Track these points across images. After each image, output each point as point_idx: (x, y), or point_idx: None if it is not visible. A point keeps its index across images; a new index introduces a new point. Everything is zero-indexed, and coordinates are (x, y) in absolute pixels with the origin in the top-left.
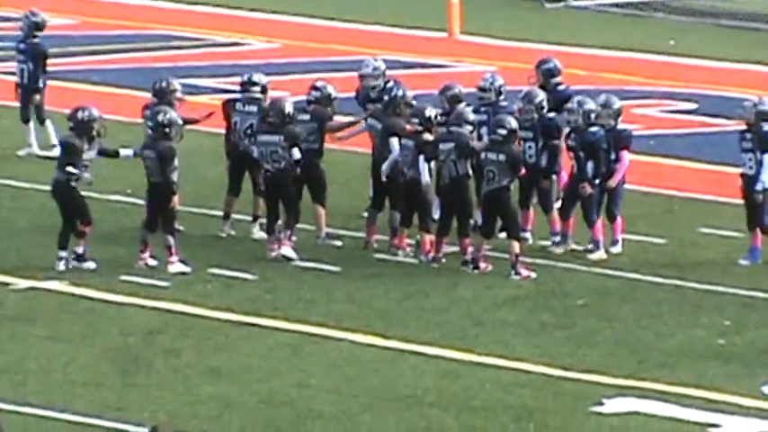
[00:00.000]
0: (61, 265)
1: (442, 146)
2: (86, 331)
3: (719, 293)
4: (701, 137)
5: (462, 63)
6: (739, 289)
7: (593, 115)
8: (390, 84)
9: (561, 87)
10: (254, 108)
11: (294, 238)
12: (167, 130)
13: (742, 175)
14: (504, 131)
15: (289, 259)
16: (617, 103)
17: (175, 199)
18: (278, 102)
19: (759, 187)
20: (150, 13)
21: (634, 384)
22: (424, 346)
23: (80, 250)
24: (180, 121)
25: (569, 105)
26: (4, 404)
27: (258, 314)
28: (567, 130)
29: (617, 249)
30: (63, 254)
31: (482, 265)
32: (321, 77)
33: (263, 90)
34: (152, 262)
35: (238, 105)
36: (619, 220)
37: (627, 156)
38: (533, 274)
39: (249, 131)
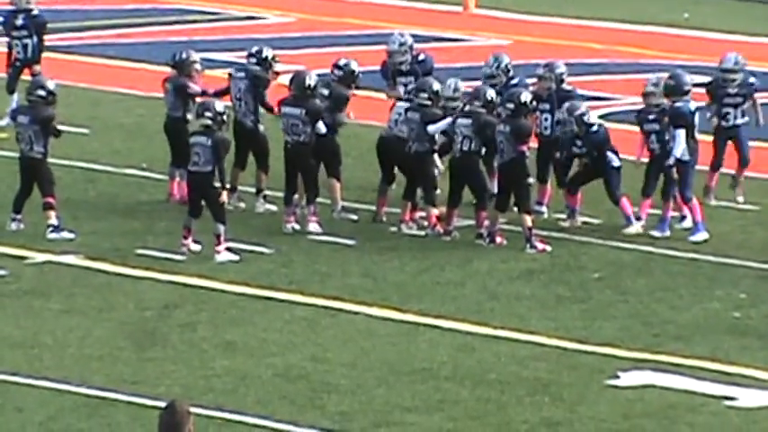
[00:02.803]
0: (13, 225)
1: (459, 120)
2: (102, 305)
3: (735, 266)
4: None
5: (477, 37)
6: (754, 262)
7: (585, 117)
8: (422, 57)
9: (568, 88)
10: (242, 74)
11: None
12: (225, 119)
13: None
14: (511, 105)
15: (316, 233)
16: (581, 108)
17: (225, 195)
18: (300, 74)
19: (671, 161)
20: None
21: (649, 357)
22: (439, 320)
23: (54, 221)
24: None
25: (560, 117)
26: (20, 378)
27: (274, 288)
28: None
29: (684, 224)
30: (17, 216)
31: (497, 239)
32: (337, 52)
33: (261, 62)
34: (195, 247)
35: (233, 72)
36: (695, 201)
37: (681, 134)
38: (548, 248)
39: (239, 96)
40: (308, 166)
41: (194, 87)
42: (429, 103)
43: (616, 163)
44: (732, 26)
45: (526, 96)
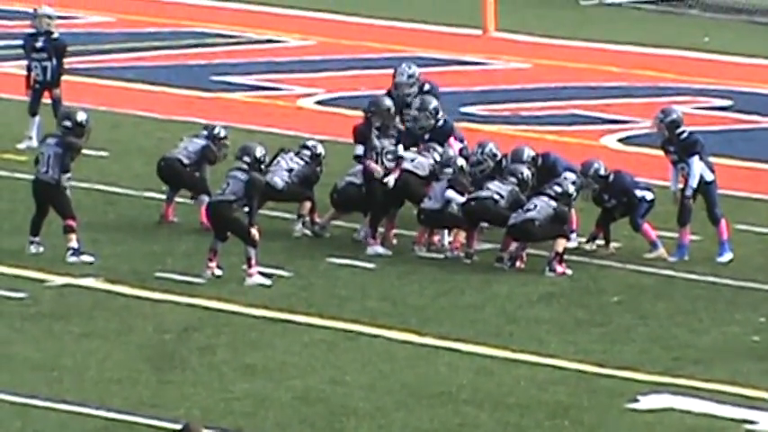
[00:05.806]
0: (32, 249)
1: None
2: (121, 328)
3: (754, 290)
4: (736, 133)
5: (497, 60)
6: None
7: (601, 172)
8: (427, 86)
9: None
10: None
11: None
12: (263, 166)
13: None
14: (559, 189)
15: (379, 255)
16: (594, 165)
17: (255, 231)
18: (380, 99)
19: (688, 192)
20: (185, 11)
21: (669, 381)
22: (458, 343)
23: (74, 245)
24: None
25: (579, 183)
26: (39, 401)
27: (293, 311)
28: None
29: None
30: (35, 239)
31: (518, 262)
32: (356, 75)
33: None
34: (218, 272)
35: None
36: (723, 222)
37: (695, 161)
38: (569, 271)
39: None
40: (375, 192)
41: (219, 156)
42: (456, 175)
43: (650, 197)
44: (752, 49)
45: (572, 188)
